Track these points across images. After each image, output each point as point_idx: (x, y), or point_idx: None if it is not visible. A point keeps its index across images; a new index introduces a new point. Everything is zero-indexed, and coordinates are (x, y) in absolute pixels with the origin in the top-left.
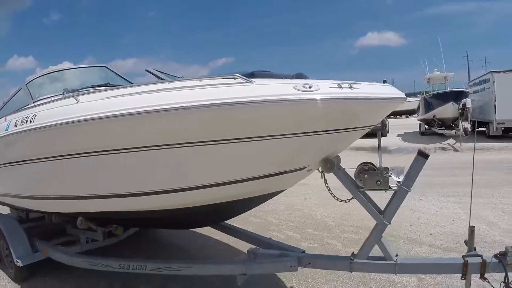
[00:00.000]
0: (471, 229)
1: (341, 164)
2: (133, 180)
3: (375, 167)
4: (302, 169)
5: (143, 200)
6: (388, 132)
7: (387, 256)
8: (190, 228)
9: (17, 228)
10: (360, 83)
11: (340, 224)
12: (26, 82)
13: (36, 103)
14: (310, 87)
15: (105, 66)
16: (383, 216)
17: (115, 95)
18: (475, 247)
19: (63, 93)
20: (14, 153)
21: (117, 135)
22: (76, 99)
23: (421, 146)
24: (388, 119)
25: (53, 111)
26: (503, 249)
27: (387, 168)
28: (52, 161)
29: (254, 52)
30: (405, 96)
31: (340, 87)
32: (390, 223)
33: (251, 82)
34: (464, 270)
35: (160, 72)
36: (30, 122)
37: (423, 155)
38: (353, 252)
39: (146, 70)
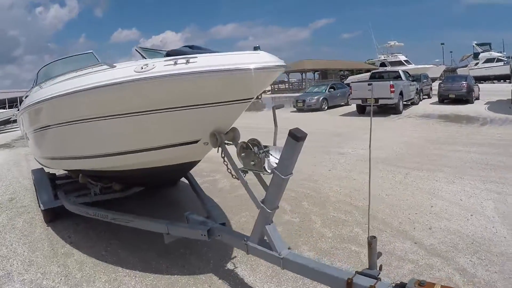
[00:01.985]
0: (370, 241)
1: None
2: (98, 144)
3: (257, 146)
4: (196, 141)
5: (107, 160)
6: (477, 99)
7: (273, 247)
8: (154, 187)
9: (44, 180)
10: (205, 56)
11: (339, 201)
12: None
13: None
14: (146, 67)
15: (91, 52)
16: (264, 203)
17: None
18: (381, 265)
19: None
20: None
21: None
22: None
23: (508, 116)
24: (478, 84)
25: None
26: None
27: (267, 147)
28: (52, 129)
29: (357, 11)
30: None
31: (175, 63)
32: (272, 209)
33: (113, 67)
34: None
35: (150, 49)
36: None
37: (294, 138)
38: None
39: (136, 50)
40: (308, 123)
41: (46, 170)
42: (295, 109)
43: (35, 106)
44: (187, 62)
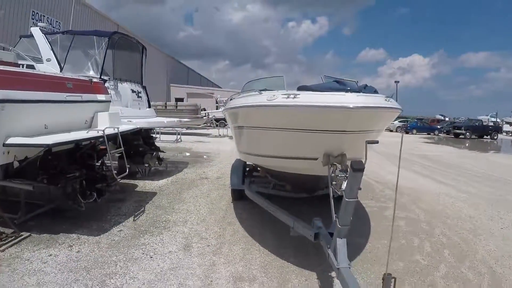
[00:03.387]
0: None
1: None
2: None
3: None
4: (315, 159)
5: (266, 160)
6: None
7: (336, 257)
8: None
9: (239, 167)
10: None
11: None
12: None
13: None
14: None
15: (282, 76)
16: (337, 219)
17: None
18: None
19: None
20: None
21: None
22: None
23: None
24: None
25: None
26: None
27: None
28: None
29: None
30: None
31: (287, 97)
32: (342, 226)
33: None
34: None
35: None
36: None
37: (353, 169)
38: None
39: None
40: None
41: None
42: None
43: (232, 110)
44: (295, 97)
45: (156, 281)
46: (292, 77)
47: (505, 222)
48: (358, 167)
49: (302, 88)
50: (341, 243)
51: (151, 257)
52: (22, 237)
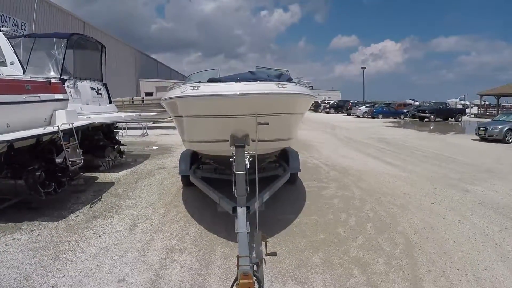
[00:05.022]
0: None
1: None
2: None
3: None
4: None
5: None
6: None
7: None
8: None
9: (187, 154)
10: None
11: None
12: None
13: None
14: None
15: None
16: None
17: None
18: None
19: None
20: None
21: None
22: None
23: None
24: None
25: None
26: None
27: None
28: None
29: None
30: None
31: (193, 88)
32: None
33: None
34: None
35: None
36: None
37: None
38: None
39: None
40: (469, 154)
41: None
42: (478, 137)
43: (163, 101)
44: (198, 88)
45: (101, 254)
46: (265, 65)
47: (438, 198)
48: (239, 144)
49: (211, 80)
50: (240, 211)
51: (100, 236)
52: None
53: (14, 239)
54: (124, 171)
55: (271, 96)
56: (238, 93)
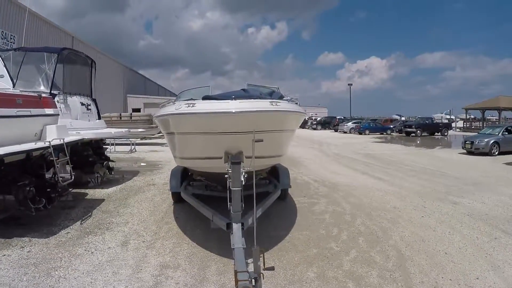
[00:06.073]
0: None
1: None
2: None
3: None
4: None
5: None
6: None
7: None
8: None
9: (178, 171)
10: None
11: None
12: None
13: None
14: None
15: (209, 86)
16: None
17: None
18: None
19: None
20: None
21: None
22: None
23: None
24: None
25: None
26: None
27: None
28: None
29: None
30: None
31: (188, 106)
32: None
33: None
34: None
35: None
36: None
37: None
38: None
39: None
40: (462, 168)
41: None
42: (464, 151)
43: (156, 118)
44: (193, 106)
45: (94, 271)
46: (252, 82)
47: (427, 211)
48: (235, 161)
49: (206, 97)
50: (236, 227)
51: (92, 253)
52: None
53: (4, 255)
54: (114, 188)
55: (266, 114)
56: (233, 111)
